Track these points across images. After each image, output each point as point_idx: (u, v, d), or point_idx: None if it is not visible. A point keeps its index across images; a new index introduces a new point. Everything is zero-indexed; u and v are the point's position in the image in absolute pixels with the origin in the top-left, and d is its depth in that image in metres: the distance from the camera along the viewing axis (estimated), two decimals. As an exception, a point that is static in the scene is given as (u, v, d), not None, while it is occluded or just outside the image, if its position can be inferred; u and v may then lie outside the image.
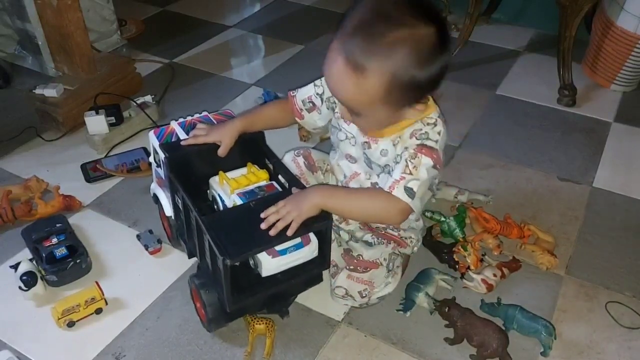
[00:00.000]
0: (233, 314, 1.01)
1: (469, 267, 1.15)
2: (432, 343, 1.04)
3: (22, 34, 1.82)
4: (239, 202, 0.98)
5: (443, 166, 0.99)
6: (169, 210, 1.13)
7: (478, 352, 1.00)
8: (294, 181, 1.02)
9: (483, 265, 1.15)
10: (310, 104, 1.11)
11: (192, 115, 1.14)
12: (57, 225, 1.19)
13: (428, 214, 1.28)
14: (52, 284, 1.13)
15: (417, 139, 0.96)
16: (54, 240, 1.15)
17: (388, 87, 0.85)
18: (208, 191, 1.07)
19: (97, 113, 1.50)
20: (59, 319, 1.04)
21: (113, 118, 1.53)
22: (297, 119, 1.14)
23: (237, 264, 0.90)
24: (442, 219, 1.25)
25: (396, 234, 1.11)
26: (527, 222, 1.26)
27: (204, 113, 1.14)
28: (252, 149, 1.09)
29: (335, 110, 1.08)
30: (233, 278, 0.90)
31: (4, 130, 1.58)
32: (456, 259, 1.16)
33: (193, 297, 1.07)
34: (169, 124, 1.12)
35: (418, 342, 1.04)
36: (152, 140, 1.09)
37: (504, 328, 1.03)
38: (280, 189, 1.02)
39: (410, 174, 0.93)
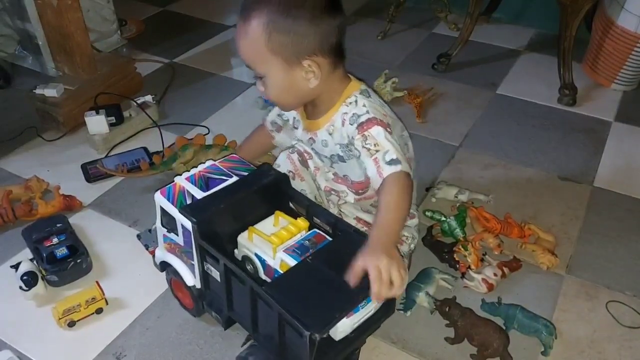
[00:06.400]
0: None
1: (469, 267, 1.15)
2: (432, 342, 1.04)
3: (23, 34, 1.83)
4: (289, 260, 0.87)
5: (399, 128, 1.00)
6: (191, 280, 1.00)
7: (479, 352, 1.00)
8: (341, 223, 0.94)
9: (483, 265, 1.15)
10: (276, 125, 1.18)
11: (196, 167, 1.02)
12: (58, 225, 1.20)
13: (428, 214, 1.28)
14: (53, 283, 1.13)
15: (351, 124, 0.97)
16: (55, 240, 1.15)
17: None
18: (235, 250, 0.96)
19: (97, 113, 1.50)
20: (59, 318, 1.04)
21: (113, 118, 1.53)
22: (272, 141, 1.21)
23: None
24: (443, 218, 1.25)
25: None
26: (527, 222, 1.26)
27: (210, 162, 1.03)
28: (274, 194, 0.99)
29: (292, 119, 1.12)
30: None
31: (5, 130, 1.58)
32: (456, 259, 1.16)
33: None
34: (173, 181, 0.99)
35: (418, 341, 1.04)
36: (162, 203, 0.95)
37: (504, 327, 1.03)
38: (328, 238, 0.92)
39: (377, 150, 0.93)
